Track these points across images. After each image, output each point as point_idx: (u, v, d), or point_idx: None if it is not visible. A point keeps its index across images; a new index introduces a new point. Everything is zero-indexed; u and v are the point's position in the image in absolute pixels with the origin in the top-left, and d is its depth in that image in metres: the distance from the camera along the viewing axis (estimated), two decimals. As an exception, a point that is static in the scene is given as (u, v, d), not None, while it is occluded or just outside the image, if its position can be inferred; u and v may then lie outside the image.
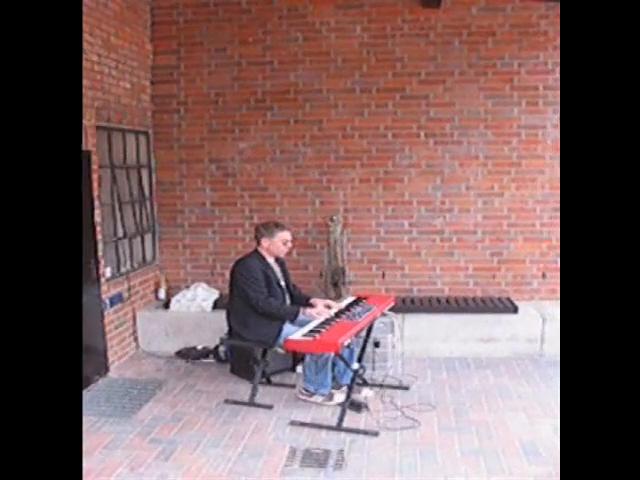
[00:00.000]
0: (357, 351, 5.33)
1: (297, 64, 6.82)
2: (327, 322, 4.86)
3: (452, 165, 6.75)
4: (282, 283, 5.32)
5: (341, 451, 4.34)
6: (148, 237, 6.97)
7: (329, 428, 4.67)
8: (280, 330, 4.99)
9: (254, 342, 5.11)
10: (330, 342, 4.43)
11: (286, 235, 5.28)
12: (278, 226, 5.33)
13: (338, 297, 6.47)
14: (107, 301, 5.88)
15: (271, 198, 6.99)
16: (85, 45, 5.54)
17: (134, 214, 6.60)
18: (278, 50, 6.82)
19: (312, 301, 5.29)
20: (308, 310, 5.07)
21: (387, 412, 4.94)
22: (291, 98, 6.85)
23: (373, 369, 5.71)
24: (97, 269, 5.72)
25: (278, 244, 5.22)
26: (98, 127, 5.80)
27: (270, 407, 5.08)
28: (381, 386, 5.43)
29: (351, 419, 4.78)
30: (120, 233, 6.28)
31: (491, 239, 6.74)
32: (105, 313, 5.86)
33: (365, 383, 5.43)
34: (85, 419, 4.84)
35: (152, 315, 6.48)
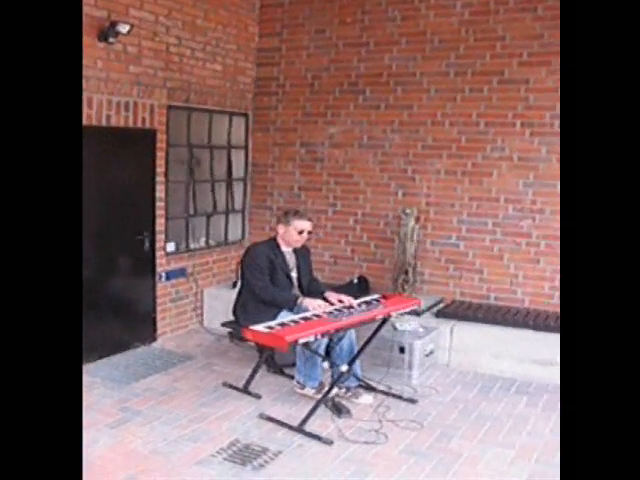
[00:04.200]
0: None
1: (392, 45, 6.43)
2: (310, 317, 4.57)
3: (548, 159, 5.85)
4: (293, 274, 5.09)
5: (278, 453, 4.08)
6: (235, 217, 7.13)
7: (290, 427, 4.41)
8: (275, 318, 4.80)
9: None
10: (280, 337, 4.15)
11: (303, 225, 5.01)
12: (297, 214, 5.09)
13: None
14: (163, 274, 6.15)
15: (355, 186, 6.71)
16: (158, 27, 5.83)
17: (213, 193, 6.78)
18: (375, 30, 6.49)
19: (326, 295, 4.99)
20: (306, 300, 4.80)
21: (366, 422, 4.51)
22: (383, 82, 6.49)
23: (397, 375, 5.25)
24: (152, 242, 6.00)
25: (292, 232, 4.99)
26: (171, 107, 6.07)
27: (259, 397, 4.93)
28: (387, 394, 4.98)
29: (322, 422, 4.48)
30: (191, 210, 6.51)
31: (584, 249, 5.71)
32: (158, 285, 6.13)
33: (369, 388, 5.02)
34: (91, 379, 5.15)
35: (217, 293, 6.63)
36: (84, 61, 5.11)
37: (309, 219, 5.12)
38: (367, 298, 5.08)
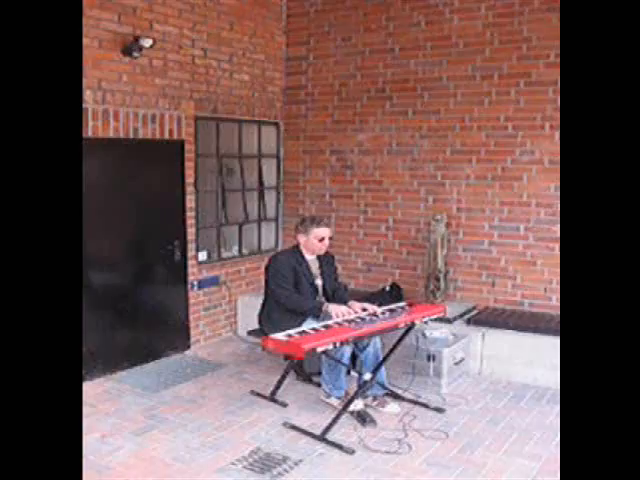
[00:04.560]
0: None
1: (418, 50, 6.38)
2: (332, 325, 4.54)
3: (580, 162, 5.70)
4: (317, 282, 5.07)
5: (298, 462, 4.07)
6: (268, 225, 7.17)
7: (313, 436, 4.39)
8: (300, 326, 4.78)
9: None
10: (297, 346, 4.14)
11: (322, 232, 5.01)
12: (314, 221, 5.08)
13: (435, 304, 6.01)
14: (195, 283, 6.21)
15: (385, 193, 6.67)
16: (183, 40, 5.91)
17: (244, 202, 6.83)
18: (400, 36, 6.46)
19: (350, 304, 4.96)
20: (331, 306, 4.78)
21: (391, 432, 4.47)
22: (410, 87, 6.45)
23: (426, 384, 5.18)
24: (184, 252, 6.07)
25: (313, 241, 5.00)
26: (198, 118, 6.14)
27: (285, 405, 4.94)
28: (414, 403, 4.92)
29: (346, 431, 4.45)
30: (223, 219, 6.57)
31: (617, 253, 5.55)
32: (190, 294, 6.20)
33: (396, 397, 4.97)
34: (121, 387, 5.28)
35: (250, 301, 6.63)
36: (109, 77, 5.29)
37: (327, 225, 5.11)
38: (392, 306, 5.03)
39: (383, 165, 6.65)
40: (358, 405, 4.71)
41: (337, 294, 5.13)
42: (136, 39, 5.31)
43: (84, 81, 5.11)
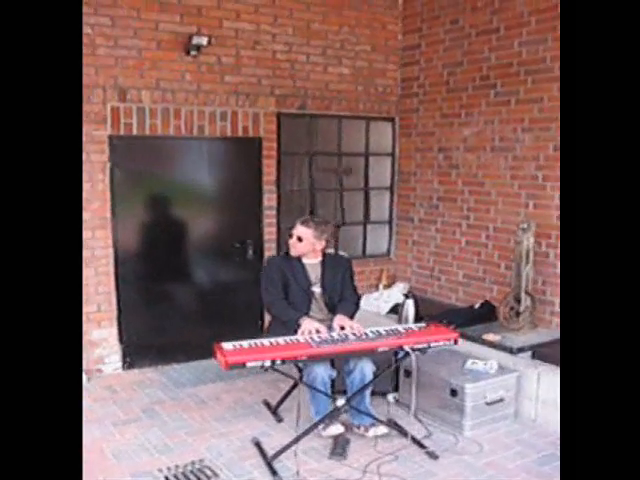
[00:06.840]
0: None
1: (522, 27, 5.41)
2: (298, 340, 4.07)
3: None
4: (315, 289, 4.52)
5: (222, 483, 3.77)
6: (375, 228, 6.73)
7: (265, 459, 4.00)
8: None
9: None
10: (224, 357, 3.78)
11: (294, 230, 4.56)
12: (297, 220, 4.66)
13: (516, 329, 5.08)
14: (270, 283, 6.07)
15: (487, 195, 5.78)
16: (261, 36, 5.82)
17: (341, 202, 6.46)
18: (505, 12, 5.54)
19: (336, 318, 4.39)
20: (306, 321, 4.25)
21: (349, 469, 3.88)
22: (513, 72, 5.50)
23: (451, 423, 4.38)
24: (259, 251, 5.98)
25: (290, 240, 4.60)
26: (282, 114, 5.99)
27: (280, 421, 4.60)
28: (414, 441, 4.18)
29: (304, 460, 3.97)
30: (314, 220, 6.30)
31: None
32: (264, 294, 6.08)
33: (402, 432, 4.28)
34: (159, 379, 5.42)
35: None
36: (169, 76, 5.43)
37: (301, 223, 4.57)
38: (399, 326, 4.36)
39: (486, 164, 5.77)
40: (336, 430, 4.19)
41: (340, 305, 4.56)
42: (190, 38, 5.36)
43: (141, 81, 5.35)
